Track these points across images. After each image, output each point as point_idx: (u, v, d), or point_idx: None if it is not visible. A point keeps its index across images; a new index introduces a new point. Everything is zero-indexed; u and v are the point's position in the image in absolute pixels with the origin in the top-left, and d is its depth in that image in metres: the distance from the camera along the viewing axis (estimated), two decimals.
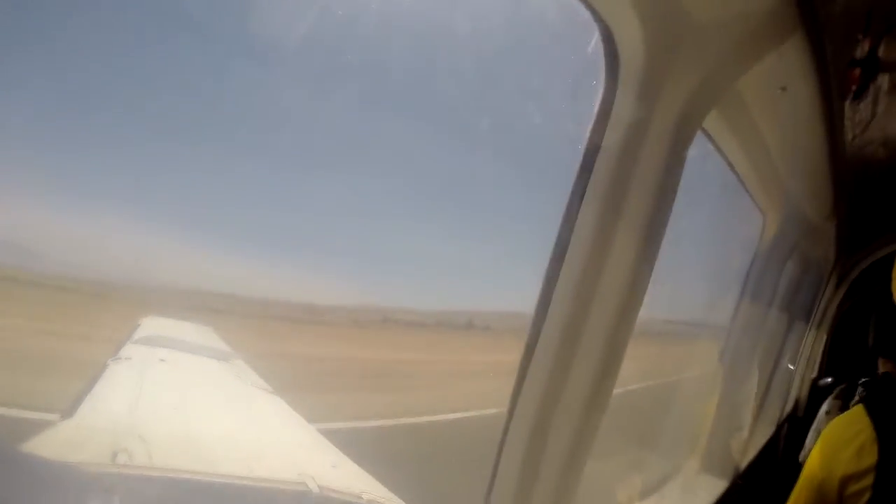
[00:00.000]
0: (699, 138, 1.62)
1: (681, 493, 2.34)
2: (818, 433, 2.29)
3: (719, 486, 2.45)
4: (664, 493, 2.28)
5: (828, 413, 3.20)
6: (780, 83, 1.57)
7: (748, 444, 2.93)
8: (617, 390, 1.31)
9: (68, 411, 2.28)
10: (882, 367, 1.91)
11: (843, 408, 2.43)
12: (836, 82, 1.72)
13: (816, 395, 4.06)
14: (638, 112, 1.10)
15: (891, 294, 1.77)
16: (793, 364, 4.03)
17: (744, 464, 2.78)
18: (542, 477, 1.12)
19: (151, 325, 5.13)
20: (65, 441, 1.95)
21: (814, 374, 4.98)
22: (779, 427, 3.71)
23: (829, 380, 3.99)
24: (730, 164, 1.98)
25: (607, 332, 1.12)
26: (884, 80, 1.81)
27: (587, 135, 1.15)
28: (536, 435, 1.12)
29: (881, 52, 1.68)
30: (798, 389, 4.52)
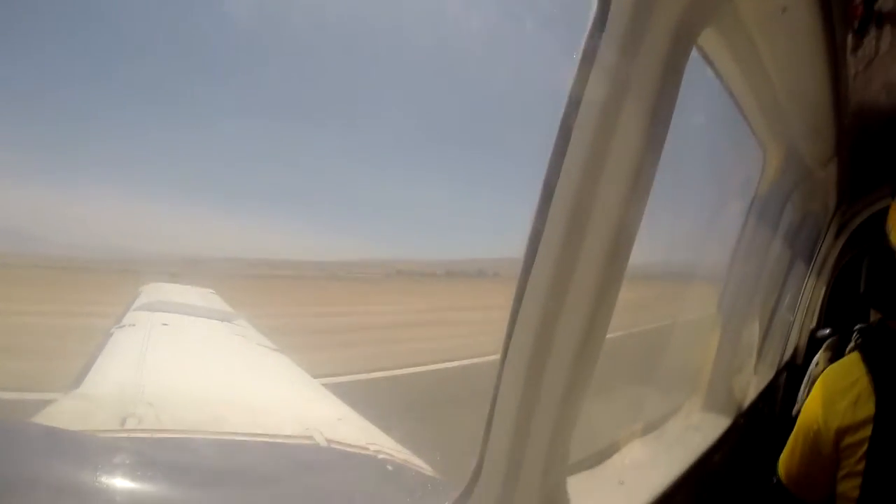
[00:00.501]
0: (697, 62, 1.56)
1: (683, 431, 2.38)
2: (810, 386, 2.29)
3: (722, 424, 2.49)
4: (667, 430, 2.32)
5: (816, 365, 3.23)
6: (781, 2, 1.50)
7: (749, 386, 2.96)
8: (617, 333, 1.31)
9: (76, 381, 2.32)
10: (873, 316, 1.90)
11: (833, 360, 2.43)
12: (840, 10, 1.65)
13: (814, 345, 4.08)
14: (631, 26, 1.04)
15: (884, 244, 1.74)
16: (791, 313, 4.04)
17: (745, 404, 2.81)
18: (536, 421, 1.13)
19: (153, 291, 5.17)
20: (74, 409, 1.98)
21: (812, 325, 4.99)
22: (777, 373, 3.76)
23: (827, 331, 4.00)
24: (728, 91, 1.90)
25: (598, 271, 1.09)
26: (889, 18, 1.74)
27: (579, 56, 1.08)
28: (530, 379, 1.12)
29: None
30: (797, 338, 4.53)
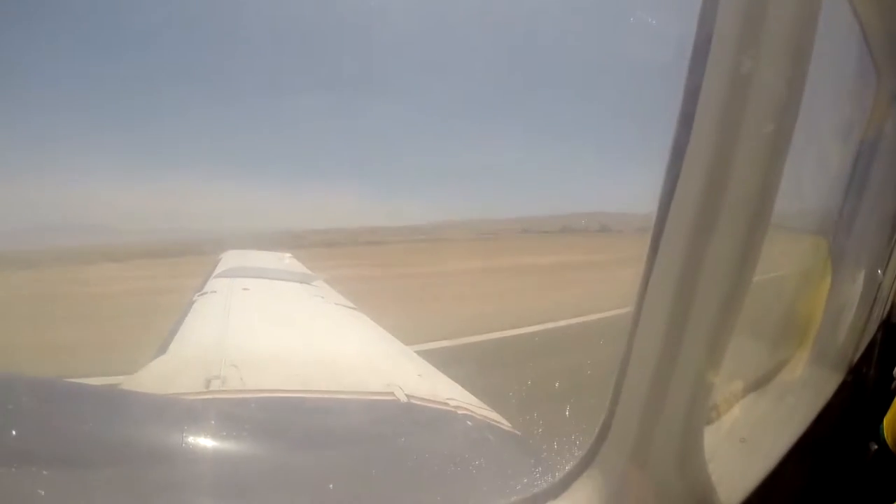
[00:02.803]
0: None
1: (796, 387, 2.21)
2: None
3: (832, 380, 2.30)
4: (780, 385, 2.16)
5: None
6: None
7: (857, 342, 2.71)
8: None
9: (162, 347, 2.40)
10: None
11: None
12: None
13: None
14: None
15: None
16: (892, 268, 3.70)
17: (854, 360, 2.58)
18: (678, 370, 1.06)
19: (231, 258, 5.35)
20: (161, 374, 2.04)
21: None
22: (876, 330, 3.45)
23: None
24: (854, 11, 1.67)
25: (744, 219, 0.99)
26: None
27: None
28: (672, 328, 1.04)
29: None
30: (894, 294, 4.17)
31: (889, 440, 1.74)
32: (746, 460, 1.59)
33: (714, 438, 1.55)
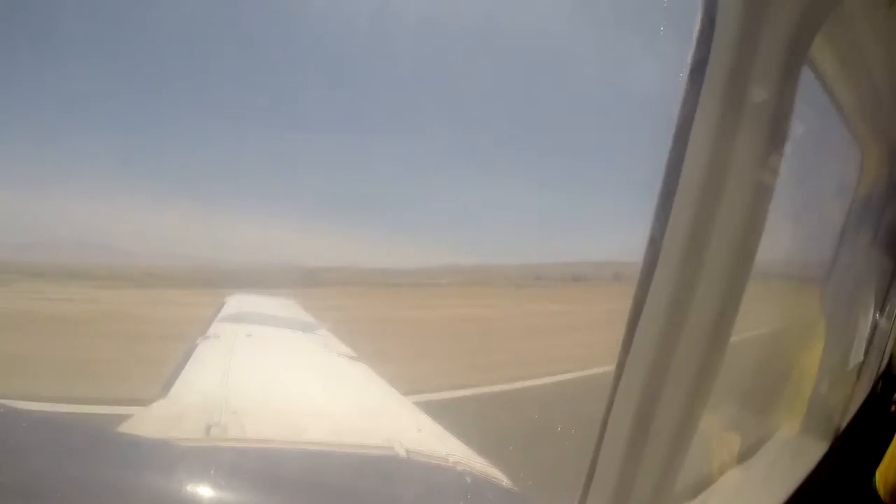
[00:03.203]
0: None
1: (783, 457, 2.19)
2: None
3: (821, 446, 2.28)
4: (765, 456, 2.14)
5: None
6: None
7: (849, 401, 2.70)
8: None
9: (163, 390, 2.41)
10: None
11: None
12: None
13: None
14: (742, 39, 0.97)
15: None
16: (890, 318, 3.71)
17: (845, 421, 2.57)
18: (652, 438, 1.06)
19: (236, 302, 5.39)
20: (161, 418, 2.04)
21: None
22: (874, 384, 3.42)
23: None
24: (831, 95, 1.76)
25: (723, 278, 1.02)
26: None
27: (687, 71, 1.02)
28: (649, 393, 1.04)
29: None
30: (894, 344, 4.17)
31: (881, 491, 1.73)
32: None
33: None
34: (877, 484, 1.74)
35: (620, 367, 1.07)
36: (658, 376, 1.03)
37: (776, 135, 1.02)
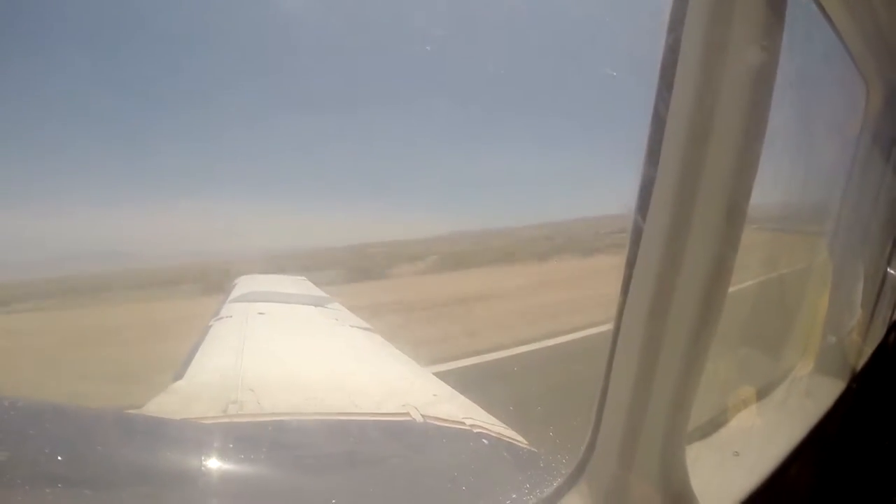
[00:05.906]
0: None
1: (796, 397, 2.18)
2: None
3: (835, 388, 2.26)
4: (779, 396, 2.13)
5: None
6: None
7: (861, 346, 2.67)
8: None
9: (179, 373, 2.43)
10: None
11: None
12: None
13: None
14: None
15: None
16: None
17: (858, 366, 2.54)
18: (656, 388, 1.07)
19: (246, 282, 5.41)
20: (178, 399, 2.06)
21: None
22: (888, 331, 3.38)
23: None
24: (831, 23, 1.70)
25: (716, 231, 0.99)
26: None
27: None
28: (648, 346, 1.05)
29: None
30: None
31: None
32: (738, 473, 1.58)
33: (704, 454, 1.55)
34: None
35: (620, 313, 1.07)
36: (657, 321, 1.03)
37: (766, 72, 0.97)
